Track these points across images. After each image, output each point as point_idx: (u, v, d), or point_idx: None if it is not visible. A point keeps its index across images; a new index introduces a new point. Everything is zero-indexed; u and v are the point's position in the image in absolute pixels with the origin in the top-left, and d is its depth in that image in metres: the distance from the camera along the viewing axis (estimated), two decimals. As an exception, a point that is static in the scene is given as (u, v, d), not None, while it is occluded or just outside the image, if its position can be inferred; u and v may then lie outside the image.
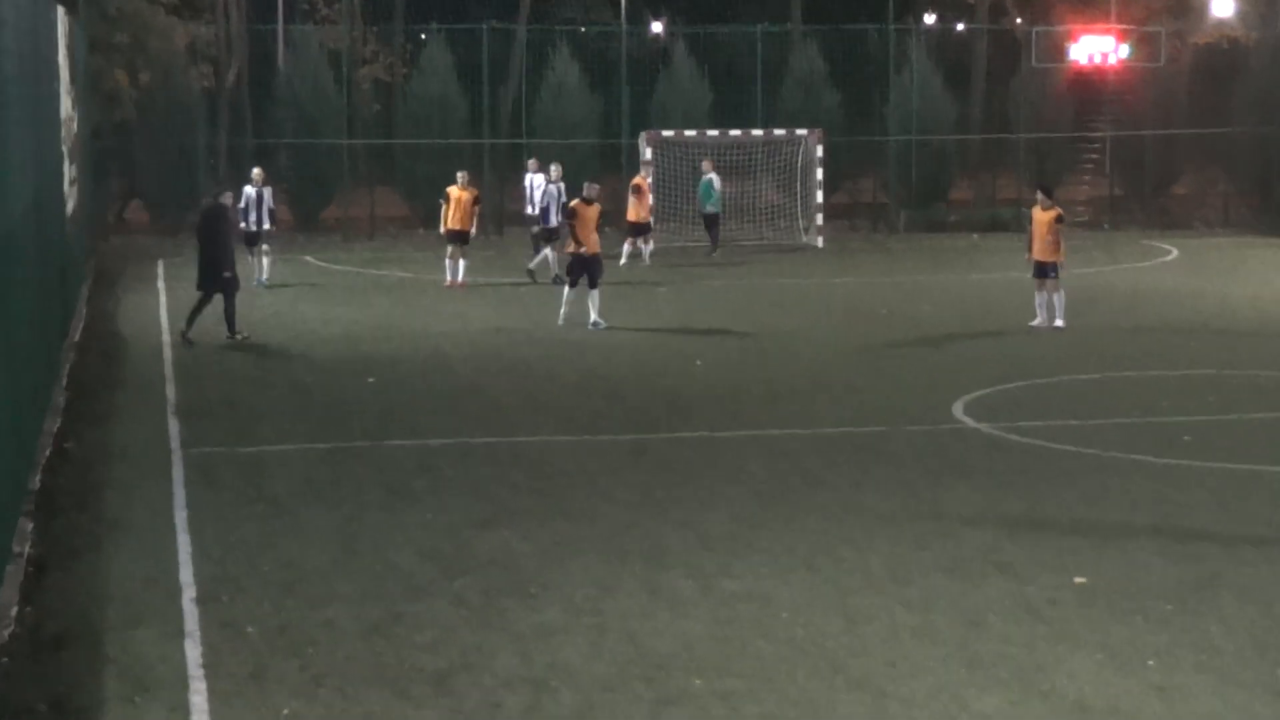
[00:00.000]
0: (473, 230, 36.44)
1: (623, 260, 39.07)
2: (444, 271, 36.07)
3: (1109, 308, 31.50)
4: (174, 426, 20.68)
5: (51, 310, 22.06)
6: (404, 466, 18.29)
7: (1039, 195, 29.82)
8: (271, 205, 36.33)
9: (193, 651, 12.04)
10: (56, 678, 11.59)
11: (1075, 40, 52.18)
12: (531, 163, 39.47)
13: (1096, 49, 51.90)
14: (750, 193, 48.41)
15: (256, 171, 36.60)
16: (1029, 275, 29.73)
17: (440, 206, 36.35)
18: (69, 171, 28.20)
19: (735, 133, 47.47)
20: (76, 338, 27.86)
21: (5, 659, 11.93)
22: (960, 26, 63.74)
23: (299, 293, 34.02)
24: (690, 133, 46.78)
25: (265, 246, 35.87)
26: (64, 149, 26.74)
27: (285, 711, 10.95)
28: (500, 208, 49.51)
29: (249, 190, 35.87)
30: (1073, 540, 15.03)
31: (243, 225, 35.32)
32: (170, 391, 23.27)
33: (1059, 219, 29.16)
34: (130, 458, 18.87)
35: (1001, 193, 54.86)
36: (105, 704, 11.08)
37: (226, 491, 17.18)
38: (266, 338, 28.35)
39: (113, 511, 16.33)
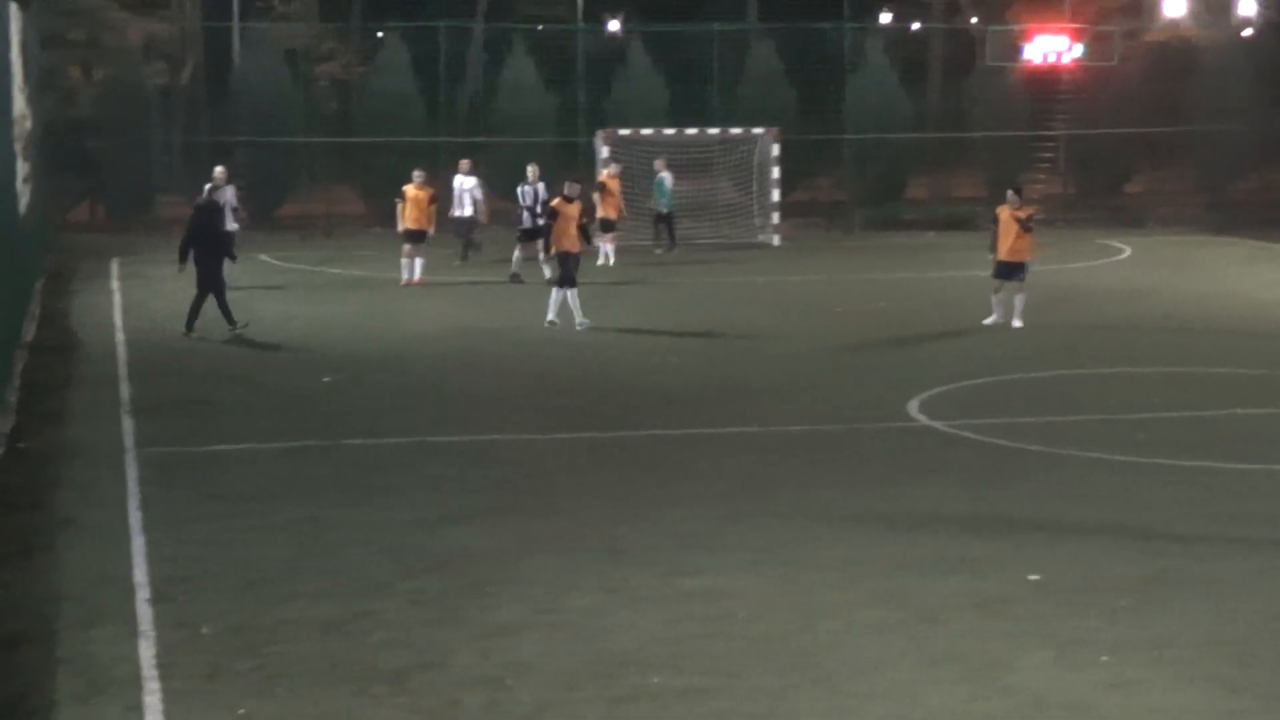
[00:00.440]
0: (431, 229, 36.32)
1: (599, 260, 38.82)
2: (401, 270, 35.98)
3: (1064, 306, 31.60)
4: (129, 425, 20.57)
5: (4, 308, 21.92)
6: (361, 465, 18.24)
7: (1010, 195, 29.47)
8: (235, 204, 35.29)
9: (148, 651, 11.97)
10: (10, 678, 11.52)
11: (1030, 39, 52.36)
12: (463, 163, 39.10)
13: (1051, 48, 52.08)
14: (707, 191, 48.43)
15: (219, 170, 35.30)
16: (990, 274, 29.52)
17: (396, 206, 36.28)
18: (22, 169, 28.05)
19: (692, 131, 47.48)
20: (30, 336, 27.71)
21: (-41, 659, 11.86)
22: (916, 25, 63.89)
23: (255, 291, 33.86)
24: (647, 131, 46.75)
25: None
26: (16, 147, 26.59)
27: (241, 711, 10.90)
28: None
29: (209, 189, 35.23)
30: (1028, 536, 15.07)
31: None
32: (125, 390, 23.16)
33: (1029, 219, 29.02)
34: (85, 456, 18.77)
35: (957, 191, 55.03)
36: (59, 704, 11.01)
37: (182, 490, 17.10)
38: (221, 336, 28.20)
39: (67, 510, 16.24)
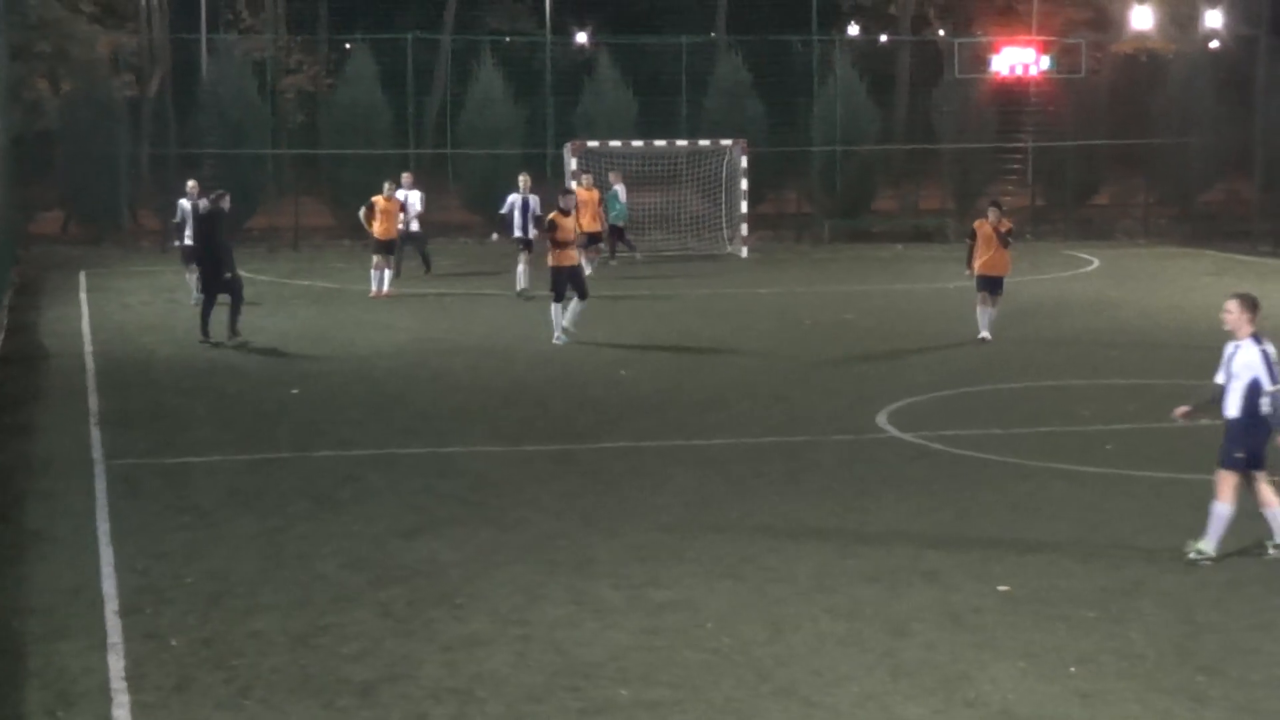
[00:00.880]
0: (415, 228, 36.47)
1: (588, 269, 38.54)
2: (370, 281, 35.96)
3: (1032, 318, 31.69)
4: (97, 437, 20.53)
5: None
6: (330, 477, 18.22)
7: (991, 211, 28.98)
8: None
9: (116, 664, 11.95)
10: (-21, 691, 11.49)
11: (997, 51, 52.52)
12: (405, 177, 38.65)
13: (1018, 60, 52.23)
14: (675, 203, 48.53)
15: (191, 184, 35.13)
16: (974, 288, 29.04)
17: (361, 215, 36.22)
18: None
19: (660, 143, 47.58)
20: (-2, 348, 27.65)
21: (-74, 672, 11.82)
22: (884, 38, 64.07)
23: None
24: (615, 143, 46.81)
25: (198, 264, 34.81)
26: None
27: (210, 724, 10.90)
28: (425, 218, 49.34)
29: (184, 203, 34.39)
30: (997, 549, 15.11)
31: (177, 243, 34.56)
32: (93, 402, 23.11)
33: (1008, 233, 28.90)
34: (53, 469, 18.72)
35: (925, 203, 55.18)
36: (27, 717, 10.98)
37: (150, 502, 17.07)
38: (191, 349, 28.19)
39: (35, 523, 16.19)
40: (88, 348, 28.36)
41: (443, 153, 50.83)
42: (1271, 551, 14.78)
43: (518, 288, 35.20)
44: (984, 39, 54.66)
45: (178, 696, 11.34)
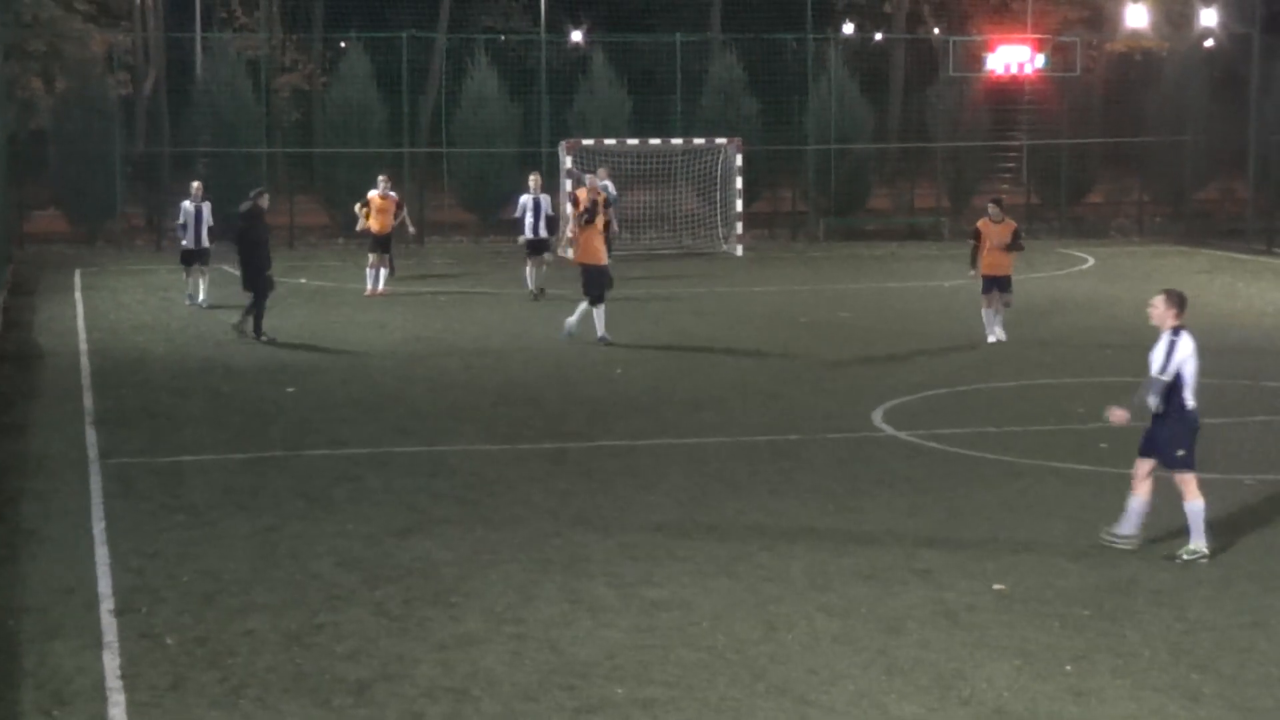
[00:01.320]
0: (407, 225, 36.44)
1: None
2: (366, 279, 35.98)
3: (1027, 316, 31.68)
4: (92, 436, 20.53)
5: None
6: (324, 476, 18.22)
7: (991, 209, 28.86)
8: (211, 222, 34.50)
9: (111, 663, 11.95)
10: (-27, 690, 11.49)
11: (992, 50, 52.54)
12: (382, 179, 37.55)
13: (1013, 58, 52.26)
14: (670, 201, 48.54)
15: (196, 185, 34.91)
16: (979, 290, 28.93)
17: (356, 210, 36.20)
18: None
19: (655, 141, 47.59)
20: (-8, 347, 27.65)
21: (-79, 672, 11.82)
22: (878, 36, 64.09)
23: (217, 302, 33.74)
24: (610, 141, 46.83)
25: (202, 265, 34.25)
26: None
27: (205, 723, 10.91)
28: (421, 217, 49.42)
29: (187, 205, 34.22)
30: (991, 547, 15.12)
31: (184, 243, 34.33)
32: (88, 401, 23.11)
33: (1017, 233, 28.77)
34: (47, 468, 18.71)
35: (919, 201, 55.22)
36: (22, 716, 10.98)
37: (145, 501, 17.06)
38: (185, 348, 28.21)
39: (30, 522, 16.19)
40: (82, 346, 28.36)
41: (437, 151, 50.79)
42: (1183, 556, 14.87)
43: (533, 289, 34.88)
44: (978, 37, 54.68)
45: (172, 695, 11.34)
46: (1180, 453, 14.73)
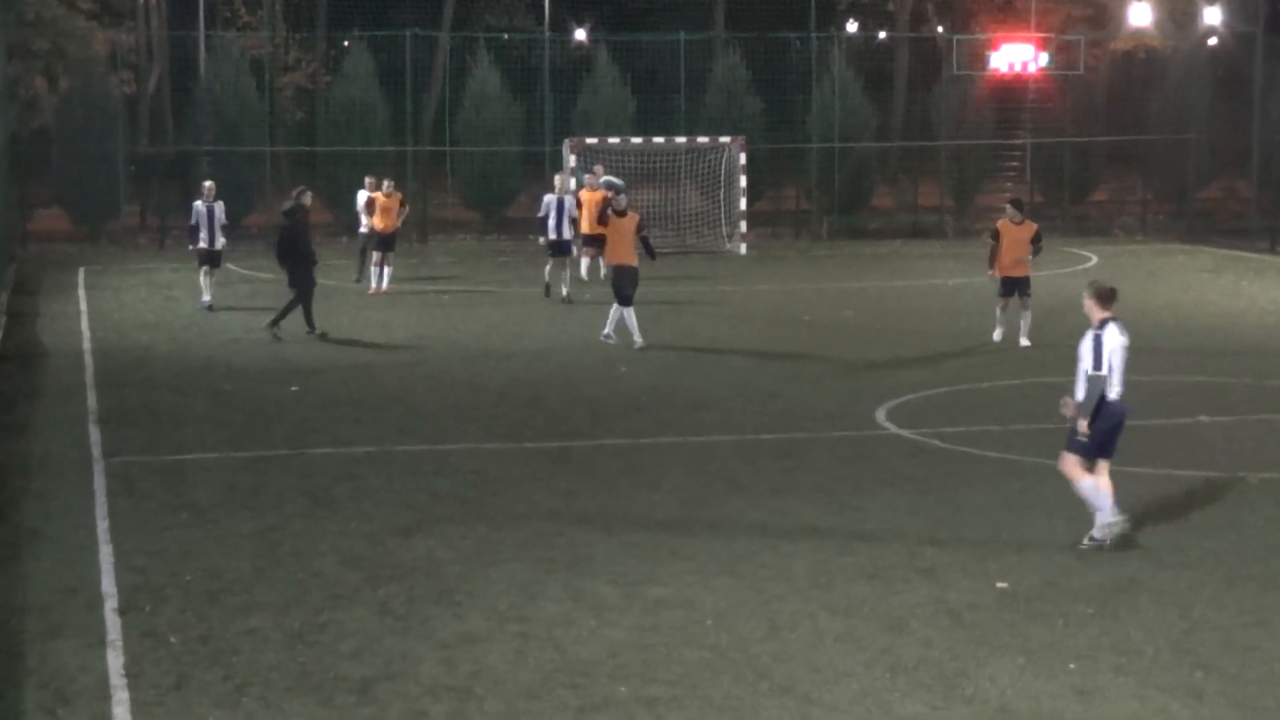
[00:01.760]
0: (399, 224, 36.40)
1: (582, 273, 37.76)
2: (369, 278, 36.00)
3: (1032, 314, 31.64)
4: (95, 435, 20.55)
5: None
6: (327, 474, 18.23)
7: (1009, 210, 28.54)
8: (224, 221, 33.99)
9: (114, 661, 11.96)
10: (-24, 689, 11.50)
11: (996, 48, 52.53)
12: (370, 179, 37.42)
13: (1016, 57, 52.23)
14: (674, 200, 48.55)
15: (208, 185, 34.31)
16: (996, 291, 28.69)
17: (362, 205, 36.20)
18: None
19: (659, 140, 47.59)
20: (-5, 346, 27.66)
21: (-76, 670, 11.83)
22: (882, 35, 64.07)
23: (221, 301, 33.74)
24: (614, 140, 46.83)
25: (213, 267, 33.72)
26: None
27: (208, 721, 10.92)
28: (424, 215, 49.45)
29: (199, 206, 33.56)
30: (993, 545, 15.12)
31: (193, 246, 33.82)
32: (91, 400, 23.13)
33: (1038, 235, 28.46)
34: (51, 467, 18.73)
35: (923, 199, 55.21)
36: (25, 715, 11.00)
37: (148, 500, 17.08)
38: (189, 347, 28.23)
39: (33, 521, 16.21)
40: (86, 345, 28.38)
41: (440, 150, 50.80)
42: (1085, 543, 15.04)
43: (563, 292, 34.21)
44: (982, 36, 54.66)
45: (175, 694, 11.35)
46: (1079, 436, 15.01)
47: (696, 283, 38.57)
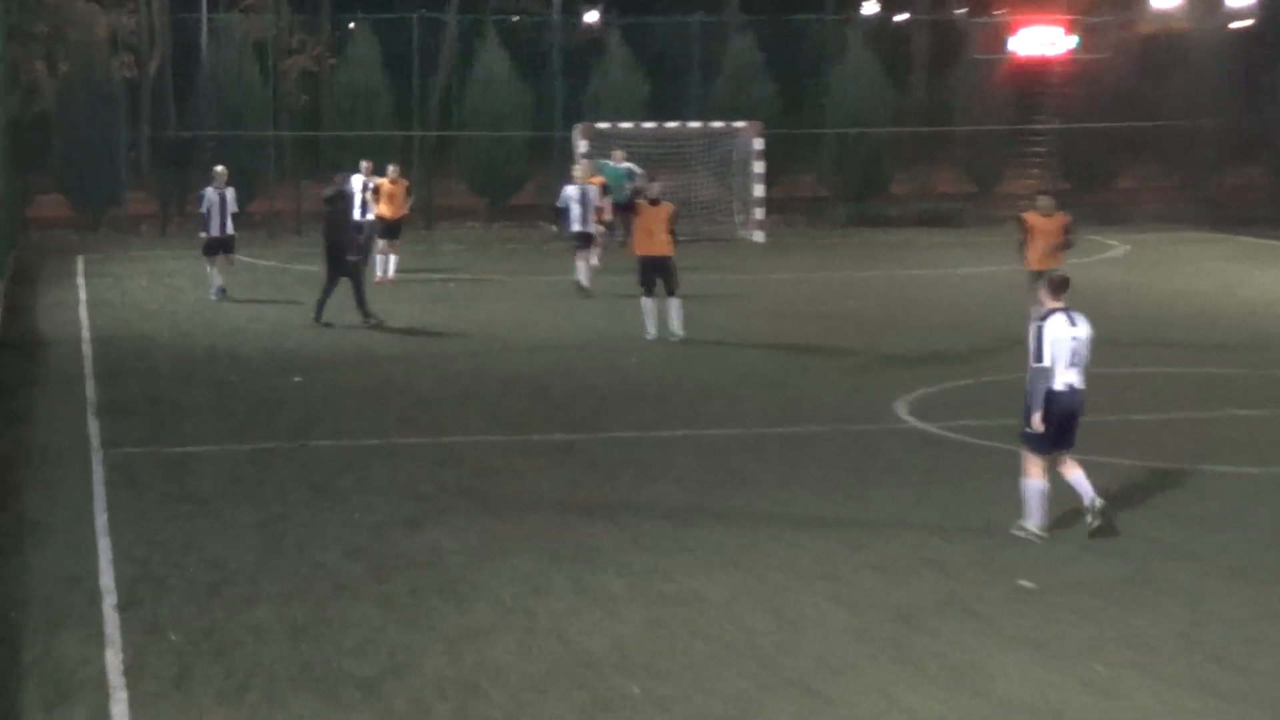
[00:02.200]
0: (406, 211, 36.48)
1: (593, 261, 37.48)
2: (375, 266, 36.10)
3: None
4: (95, 426, 20.70)
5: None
6: (330, 466, 18.39)
7: (1041, 200, 28.17)
8: (235, 209, 33.61)
9: (114, 656, 12.11)
10: (-24, 682, 11.67)
11: (1017, 31, 52.52)
12: (365, 164, 36.21)
13: (1039, 40, 52.20)
14: (687, 186, 48.52)
15: (219, 170, 33.79)
16: (1027, 282, 27.86)
17: (369, 195, 36.30)
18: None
19: (672, 125, 47.66)
20: (-6, 336, 27.83)
21: (-76, 662, 12.00)
22: (900, 17, 64.10)
23: (238, 295, 33.77)
24: (625, 125, 46.90)
25: (227, 255, 33.45)
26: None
27: (209, 718, 11.07)
28: (430, 202, 49.55)
29: (210, 192, 33.21)
30: (1003, 538, 15.26)
31: (204, 234, 33.35)
32: (91, 390, 23.28)
33: (1069, 227, 28.27)
34: (50, 458, 18.89)
35: (941, 186, 55.18)
36: (25, 711, 11.15)
37: (149, 492, 17.24)
38: (191, 336, 28.39)
39: (33, 513, 16.37)
40: (85, 334, 28.54)
41: (447, 135, 50.93)
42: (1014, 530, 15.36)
43: (582, 282, 33.66)
44: (1004, 18, 54.65)
45: (176, 690, 11.49)
46: (1026, 428, 15.29)
47: (709, 271, 38.60)
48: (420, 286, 35.31)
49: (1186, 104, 53.27)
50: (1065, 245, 27.65)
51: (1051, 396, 15.24)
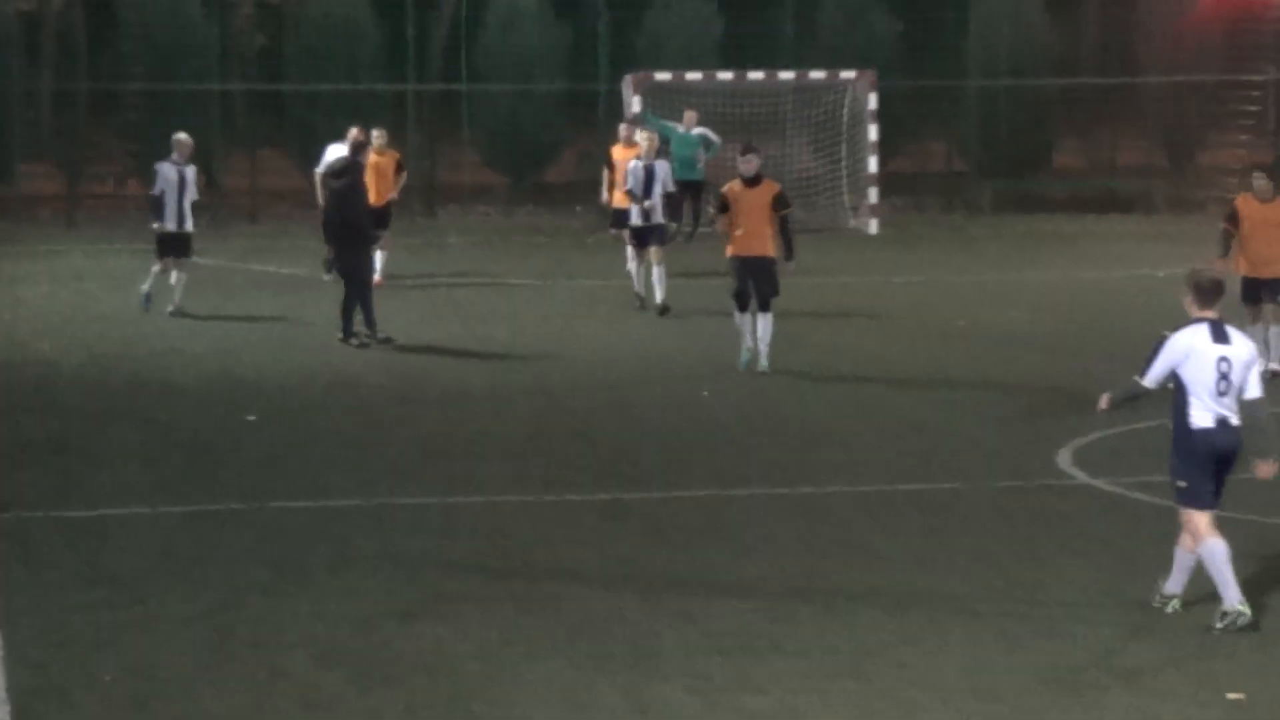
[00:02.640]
0: (395, 195, 36.33)
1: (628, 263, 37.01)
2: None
3: None
4: (-21, 481, 20.72)
5: None
6: (297, 536, 18.36)
7: (1257, 181, 27.53)
8: (196, 196, 33.23)
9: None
10: None
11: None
12: (355, 131, 34.27)
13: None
14: (776, 159, 48.41)
15: (181, 139, 33.16)
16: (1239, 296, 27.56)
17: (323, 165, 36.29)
18: None
19: (756, 75, 47.57)
20: None
21: None
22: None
23: (156, 296, 33.81)
24: (694, 75, 46.82)
25: (179, 258, 32.91)
26: None
27: None
28: (431, 179, 49.59)
29: (166, 169, 32.74)
30: (1222, 640, 15.05)
31: (157, 225, 32.77)
32: (-26, 433, 23.32)
33: None
34: (-81, 524, 18.88)
35: (1124, 158, 55.02)
36: None
37: (51, 570, 17.20)
38: (107, 361, 28.39)
39: (-107, 599, 16.35)
40: (-35, 358, 28.63)
41: (454, 89, 50.98)
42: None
43: (635, 288, 33.68)
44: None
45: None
46: (1180, 484, 15.46)
47: (807, 273, 38.52)
48: (418, 293, 35.35)
49: None
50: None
51: (1195, 436, 15.26)
